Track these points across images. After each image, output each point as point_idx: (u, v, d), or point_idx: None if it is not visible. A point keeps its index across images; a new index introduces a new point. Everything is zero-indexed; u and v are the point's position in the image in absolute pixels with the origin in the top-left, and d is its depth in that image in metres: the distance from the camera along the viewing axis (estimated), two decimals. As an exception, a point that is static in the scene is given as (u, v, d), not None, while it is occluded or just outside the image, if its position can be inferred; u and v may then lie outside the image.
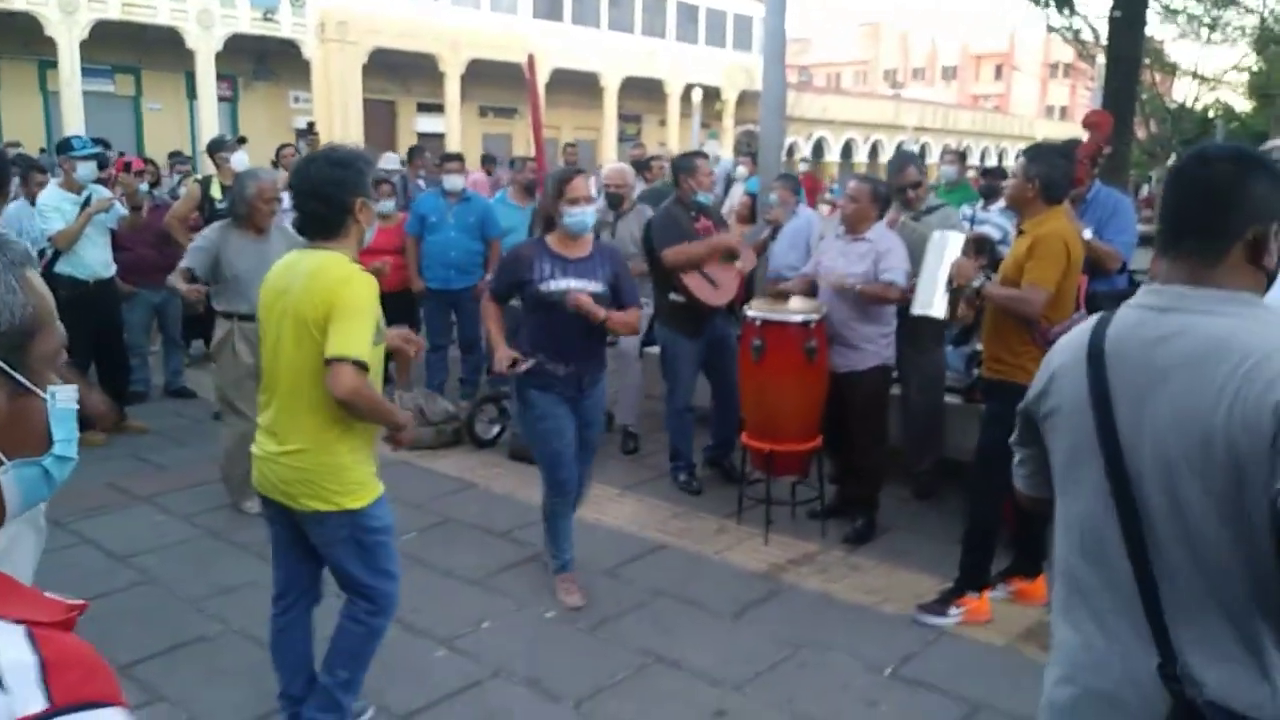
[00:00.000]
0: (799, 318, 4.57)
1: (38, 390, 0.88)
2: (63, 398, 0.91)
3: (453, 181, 6.86)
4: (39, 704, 0.74)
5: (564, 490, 4.22)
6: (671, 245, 5.25)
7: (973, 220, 6.21)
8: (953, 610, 4.00)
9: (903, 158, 5.63)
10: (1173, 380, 1.49)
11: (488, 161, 8.66)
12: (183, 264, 5.09)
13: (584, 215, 4.07)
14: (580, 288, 4.00)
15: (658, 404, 6.10)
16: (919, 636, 3.92)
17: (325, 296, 2.75)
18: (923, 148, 37.56)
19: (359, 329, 2.74)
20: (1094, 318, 1.67)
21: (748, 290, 5.97)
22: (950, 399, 5.37)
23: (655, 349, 5.92)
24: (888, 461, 5.05)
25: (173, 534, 4.84)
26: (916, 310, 4.33)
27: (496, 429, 6.37)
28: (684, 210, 5.48)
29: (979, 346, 5.42)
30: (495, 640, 3.84)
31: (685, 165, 5.64)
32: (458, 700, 3.42)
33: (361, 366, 2.73)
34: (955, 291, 4.29)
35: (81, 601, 0.87)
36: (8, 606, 0.80)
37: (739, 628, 3.98)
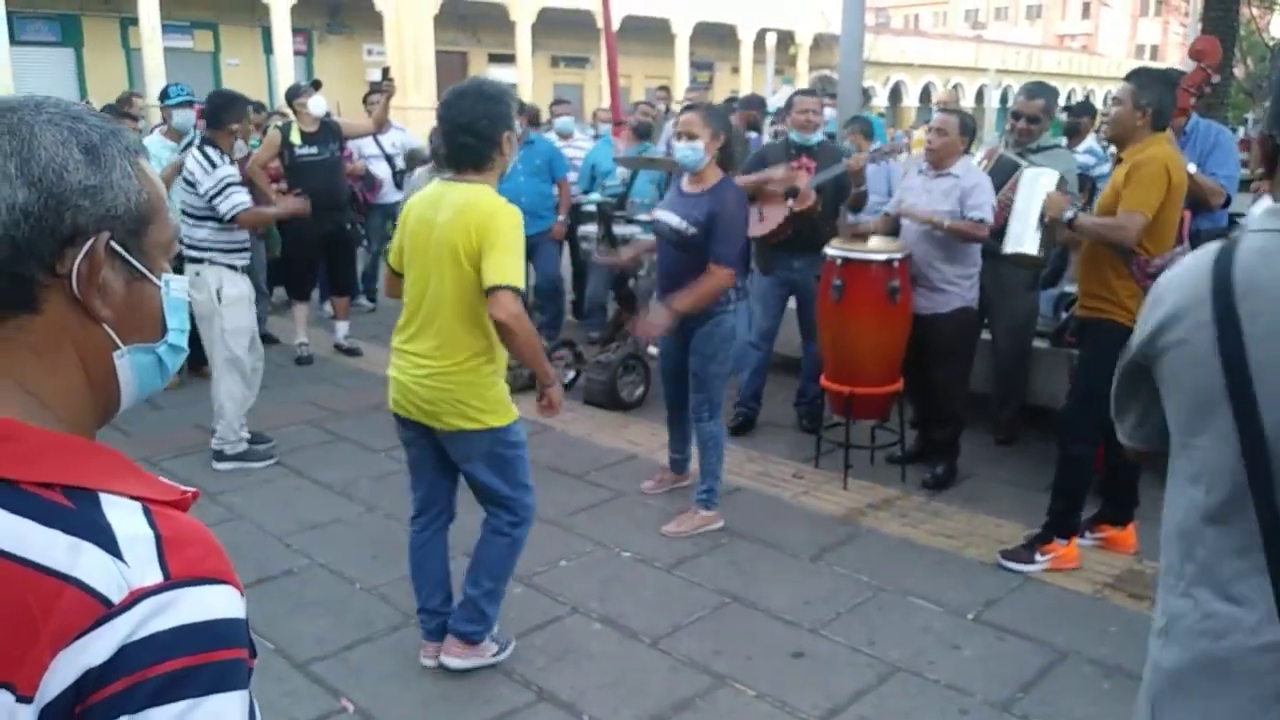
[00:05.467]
0: (881, 256, 4.45)
1: (153, 277, 0.88)
2: (176, 287, 0.92)
3: None
4: (156, 577, 0.75)
5: (664, 400, 4.63)
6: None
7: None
8: (1039, 556, 3.90)
9: (1041, 88, 5.06)
10: None
11: (558, 104, 8.62)
12: None
13: (681, 149, 4.16)
14: (666, 219, 4.18)
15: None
16: (1002, 582, 3.84)
17: (479, 228, 2.87)
18: (1004, 91, 36.30)
19: (513, 258, 2.89)
20: (1212, 246, 1.44)
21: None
22: (1037, 343, 5.21)
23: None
24: (969, 406, 4.92)
25: (258, 473, 4.96)
26: (1009, 249, 4.17)
27: (571, 374, 6.37)
28: (783, 149, 5.39)
29: (1067, 289, 5.24)
30: (572, 578, 3.87)
31: (786, 103, 5.59)
32: (536, 636, 3.45)
33: (518, 293, 2.87)
34: (1048, 227, 4.13)
35: (194, 490, 0.88)
36: (125, 484, 0.80)
37: (817, 570, 3.94)
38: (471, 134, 2.93)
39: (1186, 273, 1.45)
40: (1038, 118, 4.91)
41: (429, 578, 3.25)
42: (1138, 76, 3.74)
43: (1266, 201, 1.45)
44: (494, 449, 3.08)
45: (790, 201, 5.13)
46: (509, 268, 2.86)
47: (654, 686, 3.16)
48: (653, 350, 6.13)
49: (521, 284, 2.90)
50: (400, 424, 3.18)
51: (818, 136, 5.45)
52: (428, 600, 3.25)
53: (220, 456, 5.01)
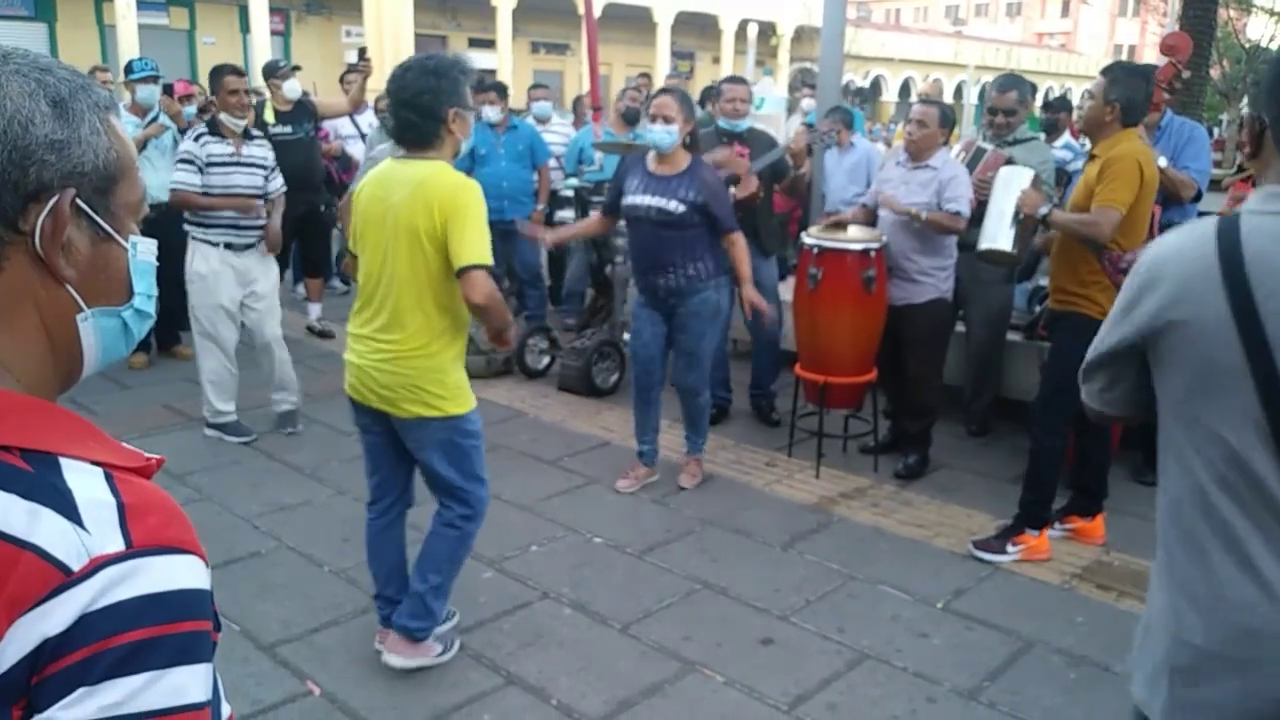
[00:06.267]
0: (858, 246, 4.45)
1: (119, 238, 0.85)
2: (144, 250, 0.89)
3: (489, 113, 6.74)
4: (117, 544, 0.73)
5: (636, 383, 4.63)
6: None
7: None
8: (1011, 547, 3.92)
9: (1013, 80, 5.08)
10: None
11: (536, 88, 8.53)
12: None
13: (657, 132, 4.23)
14: (651, 202, 4.26)
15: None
16: (971, 571, 3.86)
17: (441, 206, 2.78)
18: (983, 88, 36.44)
19: (481, 234, 2.82)
20: (1206, 227, 1.47)
21: (800, 224, 5.81)
22: (1011, 336, 5.23)
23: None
24: (943, 398, 4.94)
25: (227, 454, 4.91)
26: (983, 244, 4.18)
27: (546, 360, 6.35)
28: (713, 137, 5.34)
29: (1042, 282, 5.27)
30: (543, 563, 3.85)
31: (711, 90, 5.50)
32: (506, 620, 3.44)
33: (490, 270, 2.82)
34: (1022, 223, 4.14)
35: (158, 456, 0.85)
36: (86, 449, 0.78)
37: (788, 558, 3.95)
38: (414, 109, 2.83)
39: (1185, 252, 1.47)
40: (1013, 109, 4.92)
41: (385, 564, 3.19)
42: (1111, 71, 3.76)
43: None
44: (451, 438, 2.98)
45: (733, 189, 5.06)
46: (479, 245, 2.79)
47: (623, 672, 3.15)
48: (626, 336, 6.13)
49: (491, 260, 2.84)
50: (356, 409, 3.08)
51: (746, 123, 5.39)
52: (384, 587, 3.19)
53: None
